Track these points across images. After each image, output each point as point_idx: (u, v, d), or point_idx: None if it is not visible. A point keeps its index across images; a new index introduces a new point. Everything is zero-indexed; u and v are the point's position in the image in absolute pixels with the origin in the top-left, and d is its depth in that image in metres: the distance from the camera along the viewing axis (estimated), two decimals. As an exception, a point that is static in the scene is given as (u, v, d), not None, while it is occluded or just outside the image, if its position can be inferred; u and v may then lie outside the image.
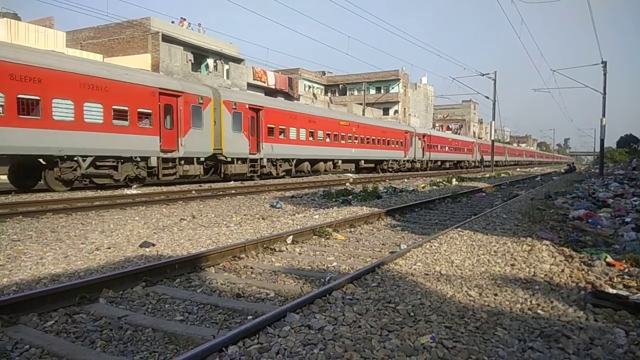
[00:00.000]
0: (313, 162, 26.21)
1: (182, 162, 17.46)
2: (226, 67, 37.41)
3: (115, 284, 4.38)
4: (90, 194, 13.43)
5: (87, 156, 14.12)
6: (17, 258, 5.73)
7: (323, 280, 4.84)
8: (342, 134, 29.14)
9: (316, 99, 51.02)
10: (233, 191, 15.24)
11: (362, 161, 31.86)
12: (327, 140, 27.46)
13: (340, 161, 28.99)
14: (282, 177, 23.09)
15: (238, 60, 38.44)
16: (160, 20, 32.47)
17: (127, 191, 14.29)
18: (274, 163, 22.78)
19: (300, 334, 3.08)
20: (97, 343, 3.29)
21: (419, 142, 40.13)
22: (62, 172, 13.73)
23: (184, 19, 36.00)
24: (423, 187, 18.50)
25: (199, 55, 35.46)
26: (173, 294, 4.40)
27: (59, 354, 3.07)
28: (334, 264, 5.72)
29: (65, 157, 13.64)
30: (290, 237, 6.90)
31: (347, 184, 19.82)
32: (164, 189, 15.55)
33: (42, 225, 8.38)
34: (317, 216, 9.41)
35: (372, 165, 33.90)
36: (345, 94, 63.04)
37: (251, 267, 5.48)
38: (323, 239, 7.28)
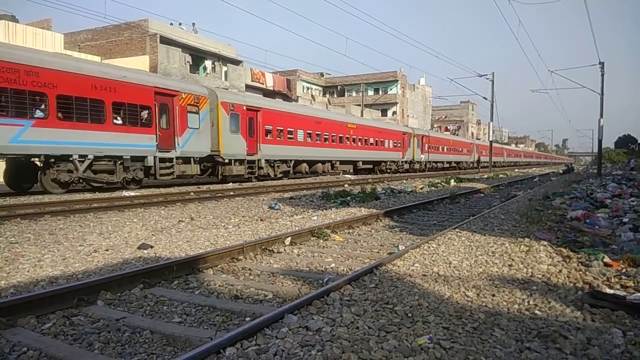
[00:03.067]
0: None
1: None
2: (224, 68, 37.44)
3: (113, 286, 4.38)
4: (88, 196, 13.41)
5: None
6: (15, 260, 5.72)
7: (321, 282, 4.83)
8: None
9: (314, 100, 51.06)
10: (231, 193, 15.23)
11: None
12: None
13: None
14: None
15: (236, 62, 38.45)
16: (158, 22, 32.51)
17: (125, 193, 14.28)
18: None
19: (298, 336, 3.08)
20: (95, 345, 3.29)
21: (237, 120, 19.77)
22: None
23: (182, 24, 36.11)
24: (421, 188, 18.53)
25: (197, 57, 35.47)
26: (171, 295, 4.40)
27: (56, 356, 3.06)
28: (332, 265, 5.72)
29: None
30: (289, 238, 6.90)
31: (346, 185, 19.84)
32: (162, 190, 15.55)
33: (40, 227, 8.37)
34: (315, 217, 9.41)
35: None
36: (344, 95, 63.13)
37: (249, 269, 5.48)
38: (321, 240, 7.28)
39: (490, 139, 42.85)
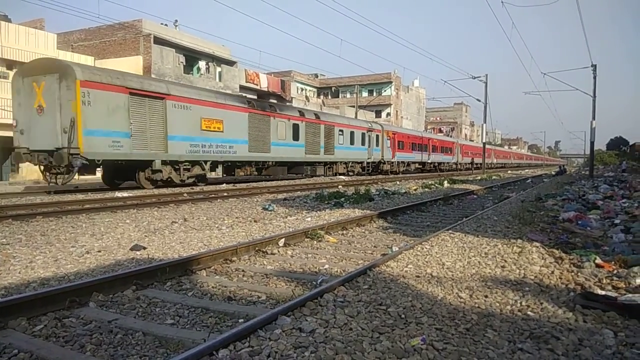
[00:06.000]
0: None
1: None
2: (218, 69, 37.36)
3: (105, 287, 4.35)
4: (80, 197, 13.32)
5: None
6: (6, 262, 5.67)
7: (315, 283, 4.83)
8: None
9: (308, 101, 51.06)
10: (225, 194, 15.18)
11: None
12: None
13: None
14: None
15: (230, 63, 38.37)
16: (152, 22, 32.41)
17: (118, 194, 14.20)
18: None
19: (292, 337, 3.07)
20: (86, 347, 3.27)
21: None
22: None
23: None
24: (415, 190, 18.57)
25: (191, 57, 35.37)
26: (164, 297, 4.38)
27: (48, 359, 3.04)
28: (326, 266, 5.72)
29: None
30: (283, 239, 6.89)
31: (340, 186, 19.85)
32: (156, 191, 15.47)
33: (32, 228, 8.30)
34: (309, 219, 9.41)
35: None
36: (338, 97, 63.21)
37: (243, 270, 5.46)
38: (315, 242, 7.27)
39: (484, 141, 43.05)
